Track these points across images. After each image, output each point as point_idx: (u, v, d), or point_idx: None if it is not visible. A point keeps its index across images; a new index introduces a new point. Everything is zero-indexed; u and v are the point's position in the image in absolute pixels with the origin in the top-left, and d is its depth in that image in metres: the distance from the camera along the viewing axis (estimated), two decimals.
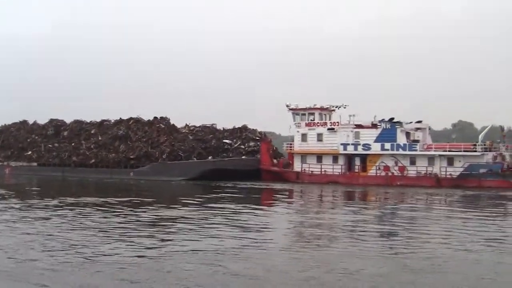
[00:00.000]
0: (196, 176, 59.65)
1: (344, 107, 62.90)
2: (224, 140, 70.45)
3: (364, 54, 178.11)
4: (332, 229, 24.09)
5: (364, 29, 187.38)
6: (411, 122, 59.80)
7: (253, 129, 73.36)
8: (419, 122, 59.80)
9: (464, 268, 16.34)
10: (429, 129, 60.56)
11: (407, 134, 57.60)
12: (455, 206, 36.93)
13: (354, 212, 31.69)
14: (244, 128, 73.04)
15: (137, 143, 65.95)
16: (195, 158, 65.95)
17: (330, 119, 62.11)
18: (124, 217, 27.49)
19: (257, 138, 69.67)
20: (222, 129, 73.61)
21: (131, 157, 65.08)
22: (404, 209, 33.94)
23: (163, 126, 67.61)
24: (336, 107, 62.87)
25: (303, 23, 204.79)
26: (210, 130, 73.12)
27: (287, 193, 47.15)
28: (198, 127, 73.89)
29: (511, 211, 33.28)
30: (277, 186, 54.10)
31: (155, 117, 69.62)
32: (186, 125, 73.99)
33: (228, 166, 60.70)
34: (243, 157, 66.74)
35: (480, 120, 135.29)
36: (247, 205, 34.30)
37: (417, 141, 57.28)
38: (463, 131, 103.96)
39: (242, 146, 69.92)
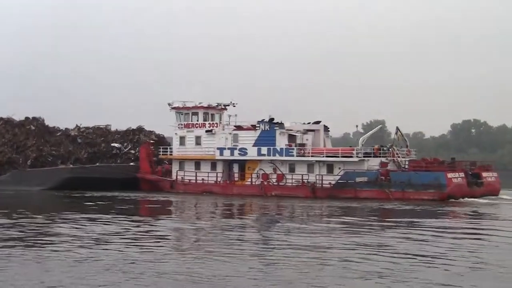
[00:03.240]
0: (55, 185, 53.03)
1: (234, 105, 56.35)
2: (112, 144, 64.01)
3: None
4: None
5: None
6: (309, 123, 53.18)
7: (149, 131, 66.99)
8: (317, 122, 53.03)
9: None
10: (327, 130, 53.53)
11: (292, 137, 51.00)
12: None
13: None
14: (139, 130, 66.62)
15: (1, 148, 59.09)
16: (71, 165, 59.48)
17: (221, 120, 55.64)
18: None
19: (152, 141, 63.02)
20: (115, 130, 67.22)
21: None
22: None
23: (33, 128, 60.77)
24: (223, 105, 56.24)
25: None
26: (102, 132, 66.64)
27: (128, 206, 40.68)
28: (90, 128, 67.36)
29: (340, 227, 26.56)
30: (132, 196, 47.75)
31: (27, 118, 62.75)
32: (77, 126, 67.45)
33: (92, 174, 54.14)
34: (131, 163, 60.44)
35: None
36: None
37: (304, 145, 50.66)
38: None
39: (132, 151, 63.55)
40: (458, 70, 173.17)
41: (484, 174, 46.44)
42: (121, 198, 46.24)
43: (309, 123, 53.10)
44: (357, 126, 51.57)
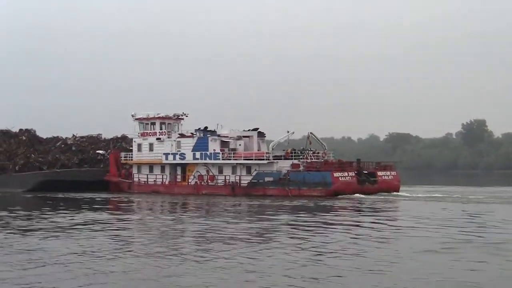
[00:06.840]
0: (32, 187, 62.45)
1: (186, 116, 64.05)
2: (97, 151, 73.02)
3: None
4: None
5: None
6: (249, 130, 59.81)
7: (131, 138, 75.33)
8: (255, 129, 59.60)
9: None
10: (262, 136, 59.87)
11: (225, 143, 57.95)
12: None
13: None
14: (122, 138, 75.32)
15: None
16: (57, 170, 68.91)
17: (178, 129, 63.38)
18: None
19: (131, 148, 71.48)
20: (103, 138, 76.35)
21: None
22: None
23: (24, 138, 71.08)
24: (177, 116, 63.78)
25: None
26: (93, 140, 75.98)
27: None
28: (84, 137, 76.87)
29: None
30: (94, 196, 56.04)
31: (20, 129, 73.37)
32: (73, 135, 77.23)
33: (64, 177, 63.23)
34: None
35: None
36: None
37: (234, 149, 57.42)
38: None
39: None
40: None
41: (380, 173, 51.62)
42: (72, 198, 54.86)
43: (248, 130, 59.93)
44: (291, 132, 57.17)
